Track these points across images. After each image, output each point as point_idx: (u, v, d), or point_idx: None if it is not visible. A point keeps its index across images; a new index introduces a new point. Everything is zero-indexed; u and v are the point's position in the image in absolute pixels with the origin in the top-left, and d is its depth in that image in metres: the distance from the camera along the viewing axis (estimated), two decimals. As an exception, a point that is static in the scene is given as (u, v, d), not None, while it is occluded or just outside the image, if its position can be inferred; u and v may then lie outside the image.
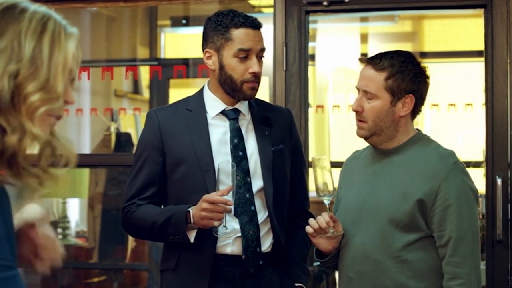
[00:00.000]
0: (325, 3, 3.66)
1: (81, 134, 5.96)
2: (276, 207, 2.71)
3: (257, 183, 2.70)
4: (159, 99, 5.98)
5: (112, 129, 5.71)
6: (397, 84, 2.55)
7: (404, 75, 2.55)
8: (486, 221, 3.52)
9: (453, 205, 2.48)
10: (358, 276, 2.57)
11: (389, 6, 3.76)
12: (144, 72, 6.37)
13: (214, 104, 2.74)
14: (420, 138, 2.63)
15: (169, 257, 2.72)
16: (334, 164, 2.75)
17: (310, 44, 4.05)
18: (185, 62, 5.75)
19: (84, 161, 4.21)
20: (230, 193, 2.53)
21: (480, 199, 3.62)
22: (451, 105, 5.07)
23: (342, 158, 2.85)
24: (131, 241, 5.70)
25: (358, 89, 2.61)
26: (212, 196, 2.52)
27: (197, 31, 2.90)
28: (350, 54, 5.99)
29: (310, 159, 3.02)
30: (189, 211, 2.58)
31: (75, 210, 6.17)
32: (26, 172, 1.46)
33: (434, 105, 5.10)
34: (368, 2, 3.69)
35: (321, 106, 6.05)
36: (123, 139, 5.72)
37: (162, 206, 2.73)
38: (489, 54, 3.53)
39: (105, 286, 5.66)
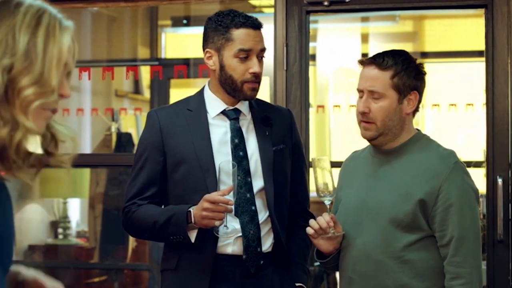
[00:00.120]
0: (325, 3, 3.66)
1: (82, 134, 5.94)
2: (276, 207, 2.70)
3: (257, 183, 2.70)
4: (160, 99, 5.97)
5: (113, 129, 5.70)
6: (402, 81, 2.55)
7: (408, 72, 2.56)
8: (487, 221, 3.51)
9: (455, 205, 2.48)
10: (359, 277, 2.57)
11: (390, 6, 3.76)
12: (145, 72, 6.36)
13: (214, 104, 2.74)
14: (420, 138, 2.63)
15: (170, 257, 2.72)
16: (335, 164, 2.75)
17: (311, 44, 4.04)
18: (185, 62, 5.74)
19: (85, 161, 4.21)
20: (231, 193, 2.53)
21: (480, 199, 3.61)
22: (452, 105, 5.07)
23: (343, 158, 2.85)
24: (131, 241, 5.69)
25: (360, 90, 2.60)
26: (213, 195, 2.52)
27: (198, 31, 2.90)
28: (351, 54, 5.98)
29: (310, 159, 3.01)
30: (190, 211, 2.58)
31: (76, 210, 6.16)
32: (17, 166, 1.45)
33: (435, 105, 5.10)
34: (369, 2, 3.69)
35: (322, 106, 6.04)
36: (123, 139, 5.71)
37: (162, 206, 2.73)
38: (489, 54, 3.53)
39: (105, 286, 5.65)
